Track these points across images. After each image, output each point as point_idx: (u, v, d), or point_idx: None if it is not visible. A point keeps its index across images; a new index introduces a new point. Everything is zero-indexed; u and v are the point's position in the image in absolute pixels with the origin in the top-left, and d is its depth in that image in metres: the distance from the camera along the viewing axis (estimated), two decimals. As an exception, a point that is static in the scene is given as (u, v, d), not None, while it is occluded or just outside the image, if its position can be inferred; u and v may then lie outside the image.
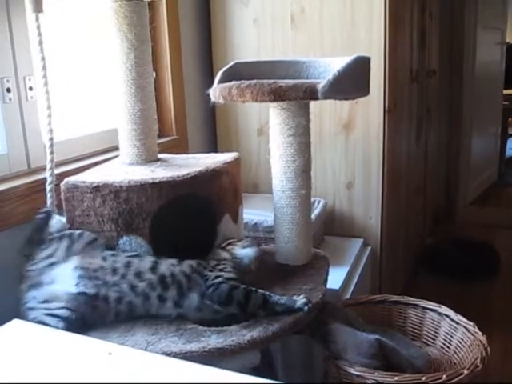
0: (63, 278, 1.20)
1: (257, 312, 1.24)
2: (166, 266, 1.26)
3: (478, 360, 1.34)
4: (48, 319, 1.13)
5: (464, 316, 1.57)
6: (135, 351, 0.78)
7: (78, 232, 1.29)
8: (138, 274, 1.23)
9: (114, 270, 1.22)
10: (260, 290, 1.27)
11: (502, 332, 2.42)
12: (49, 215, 1.32)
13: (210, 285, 1.24)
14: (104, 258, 1.25)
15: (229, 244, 1.41)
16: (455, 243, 3.33)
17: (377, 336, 1.38)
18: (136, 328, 1.20)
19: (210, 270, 1.29)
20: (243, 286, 1.25)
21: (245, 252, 1.39)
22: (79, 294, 1.18)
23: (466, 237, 3.49)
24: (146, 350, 1.12)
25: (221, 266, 1.32)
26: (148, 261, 1.26)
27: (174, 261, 1.28)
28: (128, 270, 1.23)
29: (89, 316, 1.18)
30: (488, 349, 1.39)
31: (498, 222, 3.78)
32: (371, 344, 1.34)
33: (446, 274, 3.03)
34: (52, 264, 1.23)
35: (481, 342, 1.43)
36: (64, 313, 1.15)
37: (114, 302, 1.20)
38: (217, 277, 1.26)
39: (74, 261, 1.22)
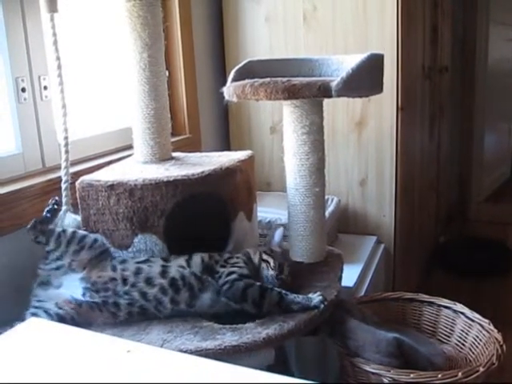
0: (70, 286, 1.22)
1: (272, 310, 1.24)
2: (176, 268, 1.25)
3: (494, 357, 1.33)
4: (43, 315, 1.15)
5: (478, 313, 1.56)
6: (154, 349, 0.78)
7: (90, 239, 1.29)
8: (148, 281, 1.23)
9: (125, 280, 1.23)
10: (276, 289, 1.27)
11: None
12: (56, 204, 1.32)
13: (224, 282, 1.24)
14: (114, 268, 1.25)
15: (262, 256, 1.36)
16: (468, 241, 3.32)
17: (395, 334, 1.37)
18: (151, 326, 1.21)
19: (222, 266, 1.29)
20: (258, 284, 1.25)
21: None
22: (86, 301, 1.20)
23: (478, 234, 3.48)
24: (161, 347, 1.13)
25: (233, 260, 1.32)
26: (157, 265, 1.26)
27: (183, 262, 1.28)
28: (138, 278, 1.23)
29: (93, 319, 1.20)
30: (504, 346, 1.39)
31: (511, 220, 3.76)
32: (389, 342, 1.34)
33: (459, 272, 3.02)
34: (60, 267, 1.24)
35: (496, 339, 1.42)
36: (60, 311, 1.16)
37: (125, 307, 1.21)
38: (230, 273, 1.26)
39: (82, 273, 1.24)
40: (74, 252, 1.25)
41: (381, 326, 1.45)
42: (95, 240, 1.29)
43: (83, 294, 1.21)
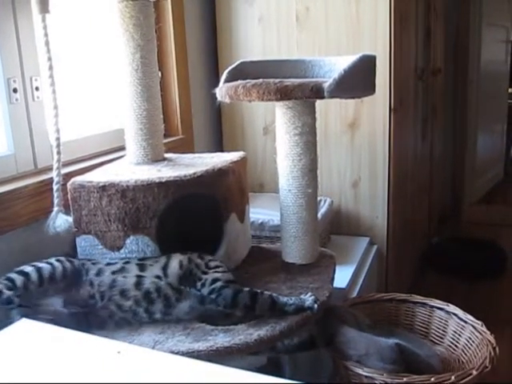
0: (51, 304, 1.19)
1: (265, 314, 1.23)
2: (151, 280, 1.23)
3: (487, 360, 1.33)
4: None
5: (470, 314, 1.56)
6: (144, 350, 0.78)
7: (59, 269, 1.21)
8: (123, 293, 1.21)
9: (102, 294, 1.21)
10: (266, 292, 1.26)
11: (508, 331, 2.41)
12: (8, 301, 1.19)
13: (210, 291, 1.23)
14: (91, 283, 1.22)
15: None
16: (461, 242, 3.33)
17: (396, 340, 1.37)
18: (143, 327, 1.21)
19: (204, 272, 1.27)
20: (247, 289, 1.24)
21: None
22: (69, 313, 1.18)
23: (471, 235, 3.49)
24: (153, 349, 1.13)
25: (214, 263, 1.31)
26: (132, 275, 1.24)
27: (159, 271, 1.25)
28: (113, 291, 1.21)
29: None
30: (497, 348, 1.39)
31: (504, 221, 3.77)
32: (392, 349, 1.33)
33: (451, 273, 3.03)
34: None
35: (489, 341, 1.42)
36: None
37: (107, 318, 1.20)
38: (214, 280, 1.25)
39: (61, 296, 1.20)
40: (49, 277, 1.20)
41: (374, 329, 1.45)
42: (64, 269, 1.22)
43: (65, 307, 1.19)
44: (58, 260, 1.24)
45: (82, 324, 1.18)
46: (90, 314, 1.20)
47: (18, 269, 1.19)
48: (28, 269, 1.19)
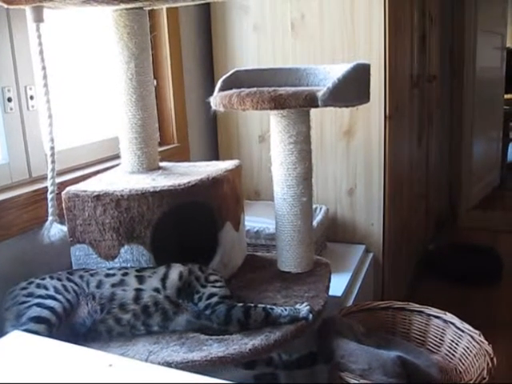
0: None
1: (260, 327, 1.22)
2: (149, 293, 1.23)
3: (485, 371, 1.32)
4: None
5: (467, 322, 1.56)
6: (136, 362, 0.78)
7: (61, 309, 1.16)
8: (122, 306, 1.21)
9: (102, 306, 1.21)
10: (260, 305, 1.25)
11: (505, 338, 2.41)
12: None
13: (205, 306, 1.23)
14: (93, 297, 1.22)
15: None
16: (458, 248, 3.33)
17: (397, 353, 1.36)
18: (138, 337, 1.20)
19: (203, 285, 1.27)
20: (240, 304, 1.23)
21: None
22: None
23: (468, 242, 3.49)
24: (147, 359, 1.12)
25: (214, 278, 1.30)
26: (131, 289, 1.23)
27: (158, 283, 1.24)
28: (112, 304, 1.21)
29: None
30: (494, 359, 1.37)
31: (501, 227, 3.78)
32: (395, 362, 1.32)
33: (448, 280, 3.03)
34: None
35: (487, 351, 1.41)
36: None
37: (103, 332, 1.20)
38: (211, 295, 1.24)
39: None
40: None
41: (369, 337, 1.45)
42: (63, 308, 1.17)
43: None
44: (58, 280, 1.23)
45: (78, 336, 1.18)
46: (89, 328, 1.19)
47: (32, 316, 1.12)
48: (44, 313, 1.13)
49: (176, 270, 1.28)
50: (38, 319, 1.12)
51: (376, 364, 1.33)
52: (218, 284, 1.29)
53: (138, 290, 1.23)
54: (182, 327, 1.23)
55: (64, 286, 1.22)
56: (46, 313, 1.13)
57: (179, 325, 1.23)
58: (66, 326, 1.16)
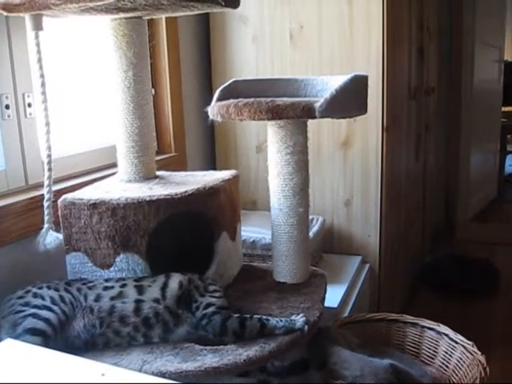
0: None
1: (255, 338, 1.22)
2: (149, 304, 1.22)
3: (478, 381, 1.32)
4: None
5: (463, 334, 1.56)
6: (129, 372, 0.77)
7: (56, 320, 1.15)
8: (122, 319, 1.20)
9: (101, 320, 1.19)
10: (256, 316, 1.25)
11: (501, 351, 2.40)
12: None
13: (202, 316, 1.22)
14: (91, 310, 1.20)
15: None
16: (454, 260, 3.33)
17: (390, 361, 1.36)
18: (132, 347, 1.20)
19: (201, 294, 1.26)
20: (236, 315, 1.23)
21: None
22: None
23: (465, 254, 3.48)
24: (141, 368, 1.12)
25: (212, 288, 1.30)
26: (131, 301, 1.22)
27: (158, 293, 1.23)
28: (112, 318, 1.20)
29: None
30: (487, 369, 1.38)
31: (498, 239, 3.78)
32: (387, 370, 1.32)
33: (445, 292, 3.02)
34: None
35: (480, 361, 1.42)
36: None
37: (101, 344, 1.19)
38: (208, 305, 1.24)
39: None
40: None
41: (364, 349, 1.45)
42: (59, 320, 1.16)
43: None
44: (56, 290, 1.22)
45: (73, 349, 1.17)
46: (87, 341, 1.19)
47: (28, 328, 1.11)
48: (39, 325, 1.12)
49: (176, 279, 1.27)
50: (33, 331, 1.11)
51: (368, 371, 1.34)
52: (217, 294, 1.28)
53: (138, 302, 1.22)
54: (180, 338, 1.22)
55: (61, 296, 1.20)
56: (41, 324, 1.12)
57: (179, 336, 1.22)
58: (60, 338, 1.15)
